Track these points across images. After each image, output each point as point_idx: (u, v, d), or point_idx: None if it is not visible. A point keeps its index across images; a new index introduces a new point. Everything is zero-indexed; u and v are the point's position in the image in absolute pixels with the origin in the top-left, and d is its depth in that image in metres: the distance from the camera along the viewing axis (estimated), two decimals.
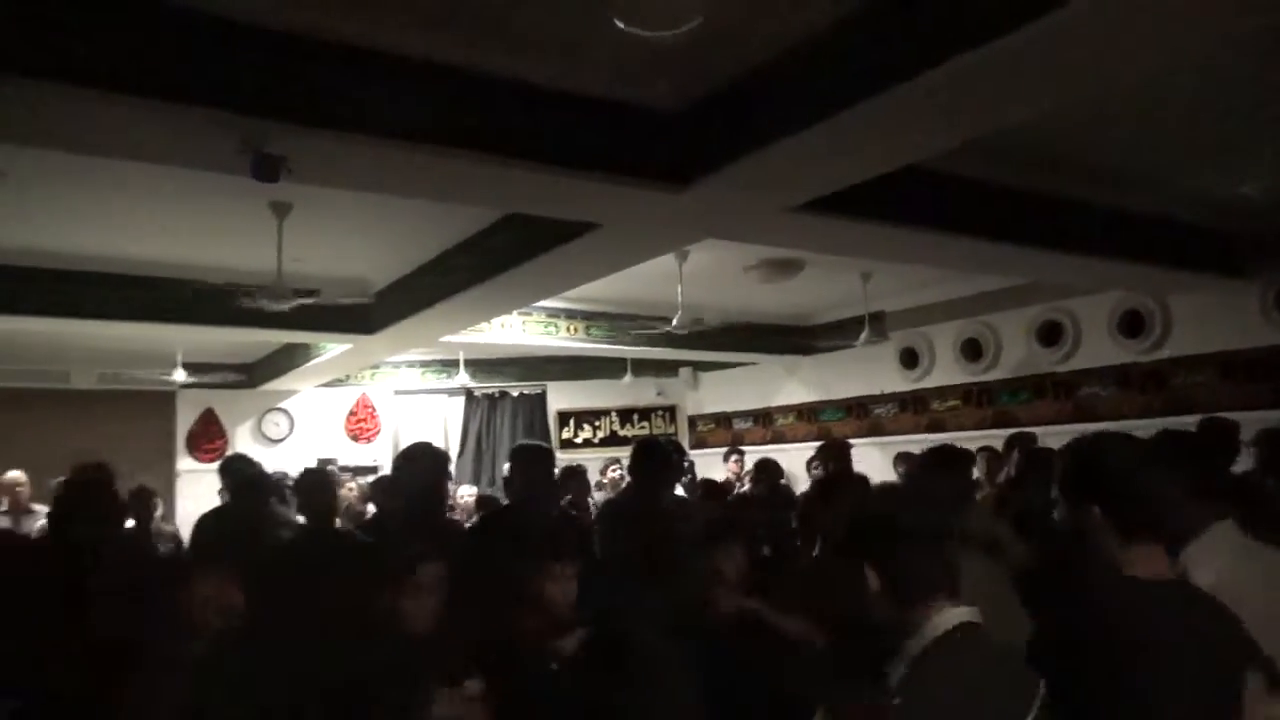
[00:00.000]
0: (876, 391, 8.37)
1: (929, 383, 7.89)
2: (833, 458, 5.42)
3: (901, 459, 6.55)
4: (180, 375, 8.25)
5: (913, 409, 8.05)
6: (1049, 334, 6.93)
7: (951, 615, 1.56)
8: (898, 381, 8.13)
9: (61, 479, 5.42)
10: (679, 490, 5.58)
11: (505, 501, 5.54)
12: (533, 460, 3.85)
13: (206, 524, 4.18)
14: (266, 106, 2.89)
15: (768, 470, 6.17)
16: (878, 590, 1.61)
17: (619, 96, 3.46)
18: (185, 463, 9.27)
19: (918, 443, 6.64)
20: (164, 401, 9.25)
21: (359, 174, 3.54)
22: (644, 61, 3.19)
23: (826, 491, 3.65)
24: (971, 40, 2.51)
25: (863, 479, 3.94)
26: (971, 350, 7.48)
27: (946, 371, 7.74)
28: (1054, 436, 4.99)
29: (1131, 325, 6.44)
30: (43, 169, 4.01)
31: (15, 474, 6.47)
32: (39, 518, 6.28)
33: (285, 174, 3.15)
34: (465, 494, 7.18)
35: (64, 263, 5.63)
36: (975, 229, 4.52)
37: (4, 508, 6.14)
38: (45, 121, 2.88)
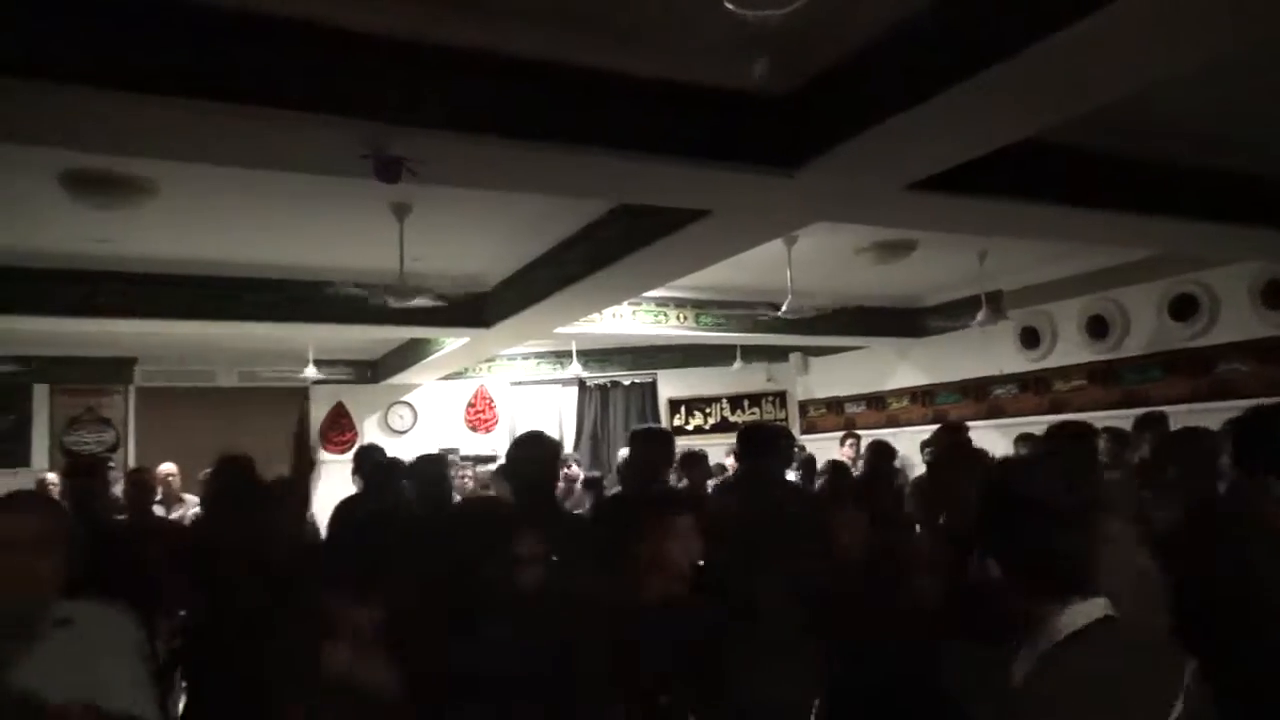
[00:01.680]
0: (995, 372, 8.14)
1: (1051, 362, 7.62)
2: (949, 440, 5.31)
3: (1024, 440, 6.35)
4: (312, 372, 8.70)
5: (1034, 389, 7.79)
6: (1182, 308, 6.59)
7: (1086, 609, 1.42)
8: (1017, 362, 7.88)
9: (209, 470, 5.84)
10: (790, 475, 5.56)
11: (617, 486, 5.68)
12: (650, 442, 3.92)
13: (344, 510, 4.44)
14: (387, 111, 3.04)
15: (880, 452, 6.10)
16: (1002, 580, 1.47)
17: (726, 83, 3.48)
18: (318, 454, 9.78)
19: (1040, 424, 6.41)
20: (298, 397, 9.77)
21: (476, 172, 3.67)
22: (750, 45, 3.21)
23: (938, 473, 3.61)
24: (1085, 7, 2.43)
25: (980, 457, 3.84)
26: (1097, 327, 7.18)
27: (1070, 350, 7.45)
28: (1188, 416, 4.77)
29: (1274, 296, 6.06)
30: (189, 182, 4.31)
31: (168, 466, 6.98)
32: (190, 506, 6.77)
33: (406, 175, 3.32)
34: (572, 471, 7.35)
35: (207, 269, 6.04)
36: (1101, 200, 4.35)
37: (158, 497, 6.64)
38: (196, 137, 3.11)
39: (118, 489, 6.49)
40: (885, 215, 4.58)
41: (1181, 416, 4.69)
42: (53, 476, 7.33)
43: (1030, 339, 7.71)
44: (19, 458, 8.75)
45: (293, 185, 4.30)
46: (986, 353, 8.04)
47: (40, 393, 9.01)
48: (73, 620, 1.83)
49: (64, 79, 2.63)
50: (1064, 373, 7.52)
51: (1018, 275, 7.24)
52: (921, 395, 9.04)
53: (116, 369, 9.09)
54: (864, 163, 3.53)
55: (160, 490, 6.76)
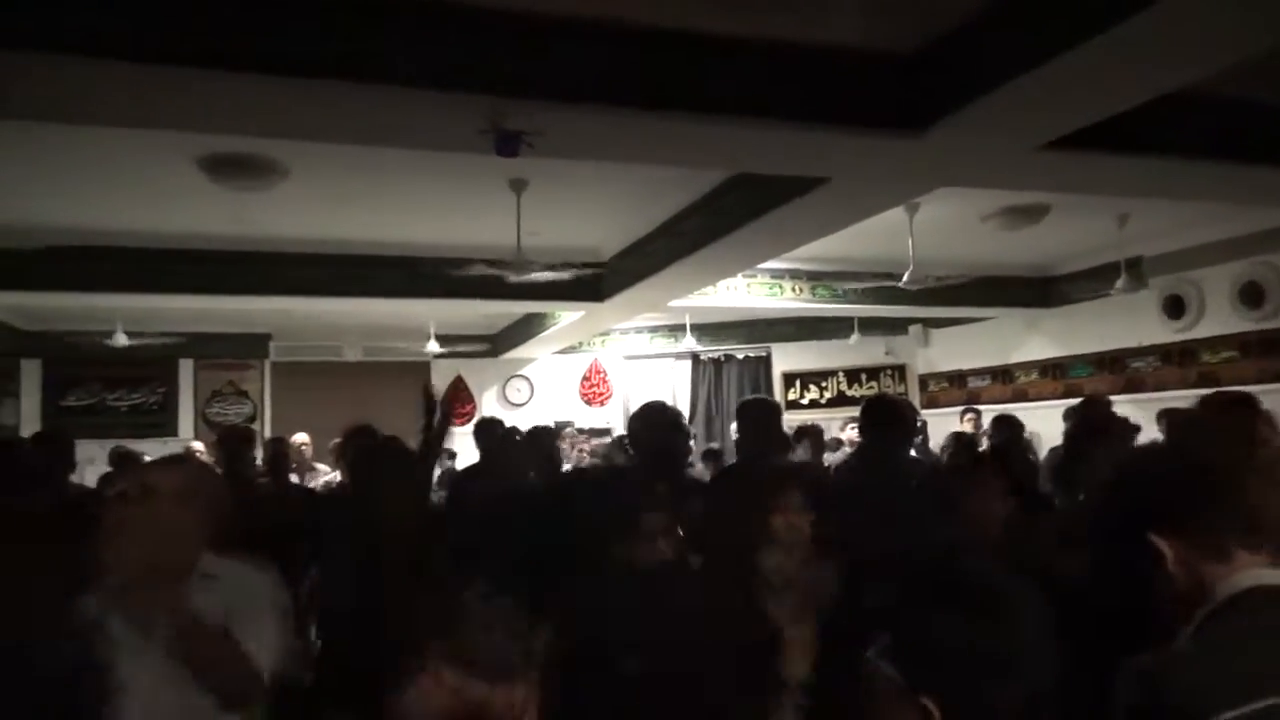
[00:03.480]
0: (1134, 344, 7.67)
1: (1199, 333, 7.12)
2: (1086, 413, 5.04)
3: (1166, 415, 5.98)
4: (433, 346, 8.97)
5: (1178, 362, 7.30)
6: None
7: (1250, 575, 1.36)
8: (1160, 332, 7.40)
9: (338, 440, 6.09)
10: (912, 453, 5.40)
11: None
12: (760, 414, 3.85)
13: (462, 481, 4.56)
14: (508, 85, 3.04)
15: (1008, 425, 5.85)
16: (1174, 561, 1.39)
17: (847, 43, 3.34)
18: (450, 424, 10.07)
19: (1185, 399, 6.03)
20: (420, 371, 10.09)
21: (592, 144, 3.65)
22: (873, 5, 3.07)
23: (1076, 446, 3.41)
24: None
25: (1123, 429, 3.62)
26: (1252, 295, 6.66)
27: (1220, 319, 6.94)
28: None
29: None
30: (318, 164, 4.46)
31: (301, 436, 7.34)
32: (321, 474, 7.10)
33: (525, 149, 3.32)
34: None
35: (335, 248, 6.27)
36: (1258, 155, 4.00)
37: (292, 465, 6.98)
38: (323, 117, 3.20)
39: (257, 457, 6.89)
40: (1017, 178, 4.33)
41: None
42: (198, 445, 7.82)
43: (1175, 307, 7.22)
44: (168, 428, 9.37)
45: (415, 165, 4.39)
46: (1124, 323, 7.58)
47: (185, 367, 9.61)
48: (217, 575, 1.91)
49: (196, 64, 2.73)
50: (1212, 344, 7.01)
51: (1161, 240, 6.77)
52: (1052, 368, 8.61)
53: (253, 345, 9.60)
54: (996, 122, 3.33)
55: (295, 459, 7.13)
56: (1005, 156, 3.77)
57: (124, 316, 7.72)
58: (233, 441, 4.72)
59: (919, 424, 7.20)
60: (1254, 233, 6.40)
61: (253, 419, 9.60)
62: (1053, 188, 4.66)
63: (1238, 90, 3.72)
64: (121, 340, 7.94)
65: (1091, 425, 3.46)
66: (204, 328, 9.07)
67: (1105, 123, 3.41)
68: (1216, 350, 6.99)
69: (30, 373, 9.13)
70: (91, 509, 2.08)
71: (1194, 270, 6.99)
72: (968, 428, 7.66)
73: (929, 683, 1.05)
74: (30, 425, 8.40)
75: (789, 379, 10.40)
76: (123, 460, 6.12)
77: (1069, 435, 3.93)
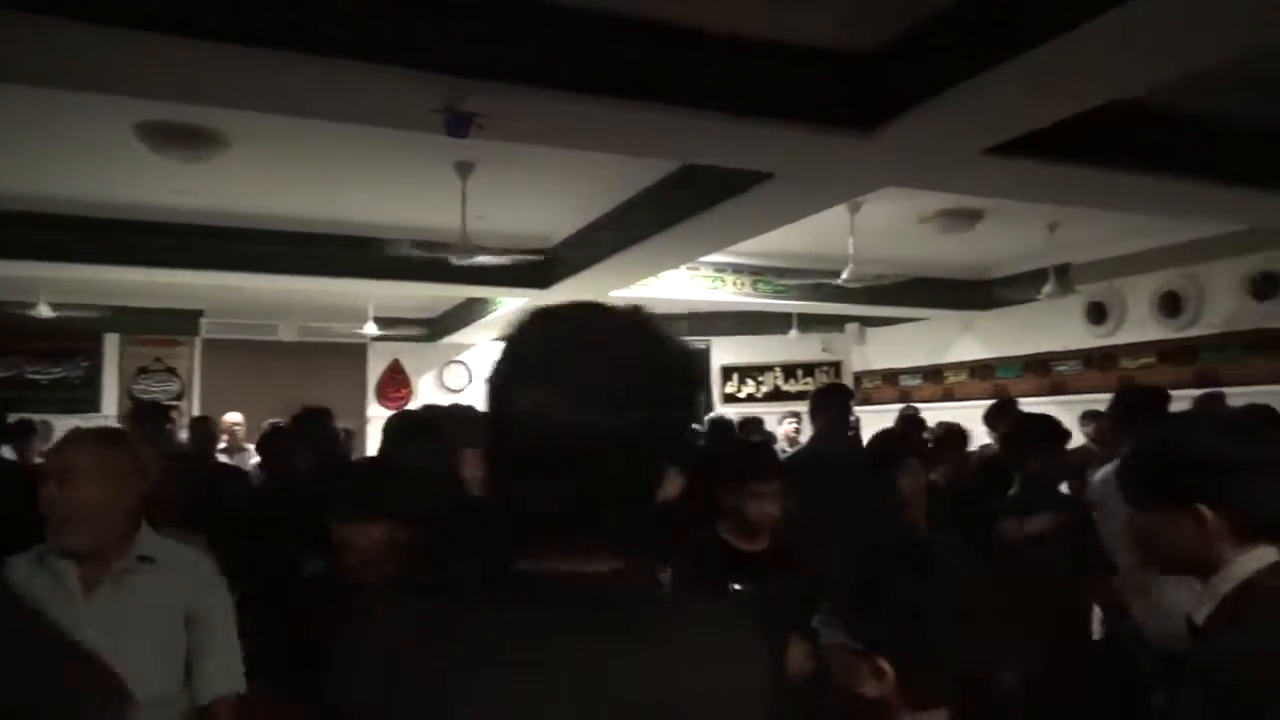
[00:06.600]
0: (1058, 348, 7.95)
1: (1120, 339, 7.42)
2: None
3: (1089, 418, 6.22)
4: (371, 329, 8.83)
5: (1099, 366, 7.60)
6: (1265, 286, 6.35)
7: (1260, 555, 1.45)
8: (1083, 338, 7.68)
9: (274, 421, 5.99)
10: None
11: None
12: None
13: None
14: (464, 65, 3.03)
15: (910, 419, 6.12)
16: (1208, 532, 1.46)
17: (800, 40, 3.40)
18: (375, 409, 9.95)
19: (1104, 402, 6.27)
20: (357, 353, 9.94)
21: (543, 128, 3.64)
22: (828, 4, 3.14)
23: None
24: None
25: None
26: (1170, 304, 6.96)
27: (1140, 327, 7.24)
28: (1266, 396, 4.63)
29: None
30: (260, 136, 4.37)
31: (233, 415, 7.19)
32: (252, 455, 6.96)
33: (476, 130, 3.32)
34: None
35: (274, 224, 6.14)
36: (1191, 169, 4.18)
37: (222, 446, 6.84)
38: (273, 87, 3.14)
39: (182, 436, 6.72)
40: (959, 181, 4.46)
41: (1264, 397, 4.53)
42: (119, 425, 7.58)
43: (1097, 314, 7.51)
44: (91, 404, 9.06)
45: (361, 142, 4.34)
46: (1050, 328, 7.85)
47: (111, 342, 9.29)
48: (154, 556, 1.88)
49: (140, 26, 2.65)
50: (1133, 350, 7.32)
51: (1089, 249, 7.03)
52: (980, 369, 8.88)
53: (184, 320, 9.33)
54: (942, 124, 3.43)
55: (225, 439, 6.98)
56: (949, 159, 3.88)
57: (48, 287, 7.43)
58: (145, 417, 4.57)
59: (854, 420, 7.36)
60: (1175, 244, 6.69)
61: (180, 397, 9.35)
62: (993, 192, 4.81)
63: (1170, 104, 3.90)
64: (45, 312, 7.65)
65: (1025, 428, 3.61)
66: (133, 301, 8.78)
67: (1044, 132, 3.54)
68: (1135, 356, 7.29)
69: None
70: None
71: (1117, 279, 7.27)
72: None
73: (880, 642, 1.10)
74: None
75: (727, 372, 10.51)
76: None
77: (1005, 437, 4.10)
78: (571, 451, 0.84)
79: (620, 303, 0.93)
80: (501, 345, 0.93)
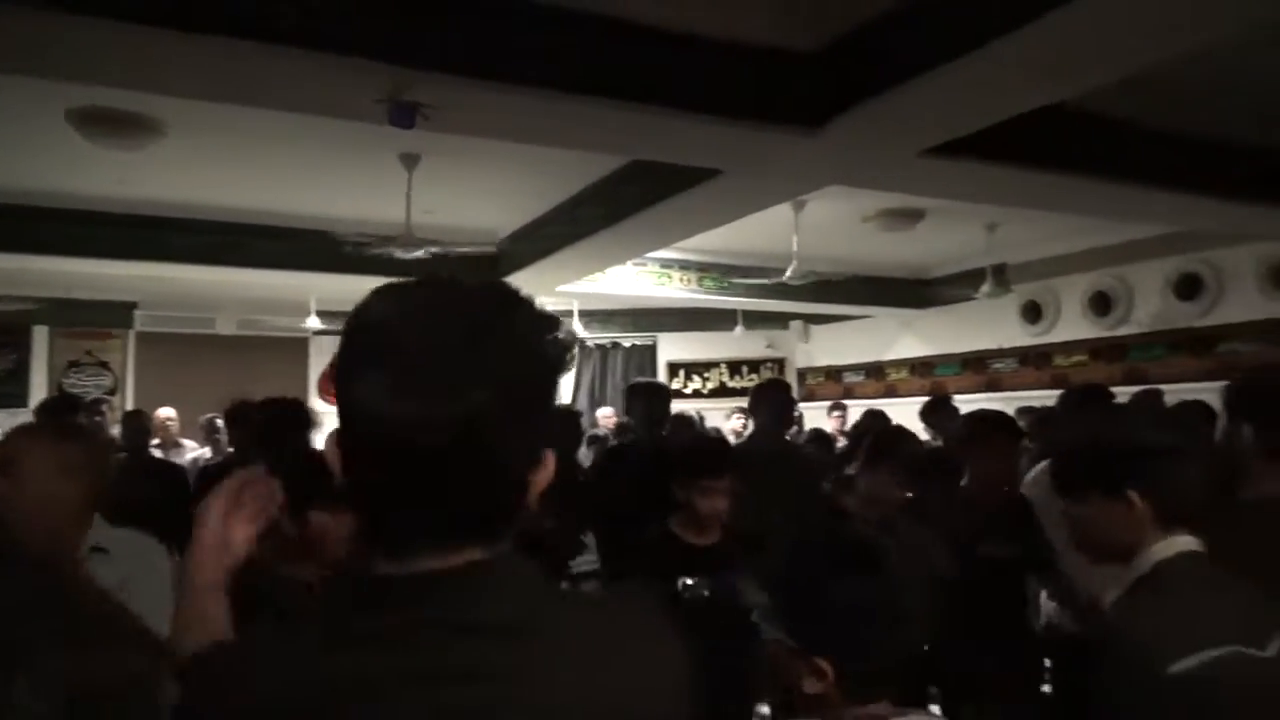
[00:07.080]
0: (995, 346, 8.16)
1: (1054, 337, 7.65)
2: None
3: (1024, 414, 6.38)
4: (314, 322, 8.67)
5: (1034, 364, 7.82)
6: (1188, 287, 6.60)
7: (1176, 542, 1.50)
8: (1019, 336, 7.90)
9: (210, 416, 5.83)
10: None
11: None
12: (653, 395, 3.97)
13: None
14: (409, 55, 3.00)
15: (876, 418, 6.18)
16: (1135, 517, 1.51)
17: (749, 37, 3.43)
18: (316, 404, 9.77)
19: (1039, 399, 6.46)
20: (298, 347, 9.75)
21: (489, 120, 3.61)
22: (778, 1, 3.17)
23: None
24: None
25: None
26: (1101, 304, 7.20)
27: (1073, 325, 7.48)
28: (1190, 393, 4.79)
29: None
30: (197, 124, 4.26)
31: (167, 411, 7.00)
32: (188, 450, 6.79)
33: (421, 121, 3.28)
34: (604, 415, 7.79)
35: (211, 214, 5.98)
36: (1119, 172, 4.32)
37: (156, 441, 6.66)
38: (211, 73, 3.06)
39: (115, 431, 6.53)
40: (901, 181, 4.54)
41: (1188, 394, 4.71)
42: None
43: (1033, 313, 7.73)
44: (18, 399, 8.75)
45: (303, 131, 4.25)
46: (988, 326, 8.06)
47: (40, 334, 8.98)
48: (108, 548, 1.86)
49: (75, 9, 2.58)
50: (1066, 348, 7.55)
51: (1024, 250, 7.22)
52: (920, 367, 9.06)
53: (116, 313, 9.05)
54: (883, 124, 3.49)
55: (159, 434, 6.80)
56: (890, 158, 3.95)
57: None
58: (59, 411, 4.42)
59: (796, 415, 7.46)
60: (1107, 246, 6.90)
61: (113, 391, 9.08)
62: (933, 192, 4.91)
63: (1105, 109, 4.02)
64: None
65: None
66: (63, 293, 8.49)
67: (982, 133, 3.62)
68: (1069, 354, 7.52)
69: None
70: None
71: (1052, 279, 7.48)
72: (834, 424, 7.99)
73: (818, 641, 1.12)
74: None
75: (674, 368, 10.56)
76: None
77: (954, 438, 4.19)
78: (410, 439, 0.76)
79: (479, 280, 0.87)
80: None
